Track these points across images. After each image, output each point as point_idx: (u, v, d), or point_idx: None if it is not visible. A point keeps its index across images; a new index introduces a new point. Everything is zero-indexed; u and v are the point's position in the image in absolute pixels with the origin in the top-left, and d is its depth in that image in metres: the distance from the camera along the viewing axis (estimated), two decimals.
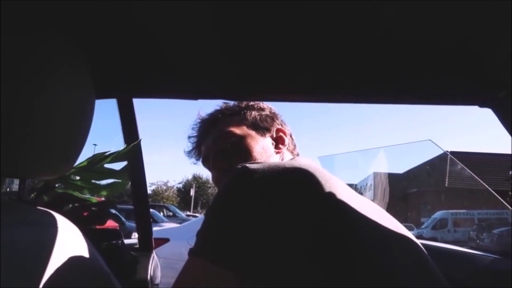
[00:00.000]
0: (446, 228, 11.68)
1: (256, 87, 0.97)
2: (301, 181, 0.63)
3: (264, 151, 0.86)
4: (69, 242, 0.66)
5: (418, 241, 0.73)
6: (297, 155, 0.93)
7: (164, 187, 38.33)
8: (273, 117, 0.93)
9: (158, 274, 1.30)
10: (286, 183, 0.62)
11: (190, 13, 0.64)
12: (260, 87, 0.97)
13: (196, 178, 40.18)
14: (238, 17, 0.65)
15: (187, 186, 39.17)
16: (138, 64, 0.89)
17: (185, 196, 38.14)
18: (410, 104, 1.00)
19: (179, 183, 40.71)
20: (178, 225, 6.37)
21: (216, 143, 0.89)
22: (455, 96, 0.95)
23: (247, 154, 0.85)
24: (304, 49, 0.77)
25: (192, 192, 34.87)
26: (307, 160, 0.73)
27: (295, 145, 0.94)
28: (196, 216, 17.14)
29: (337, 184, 0.66)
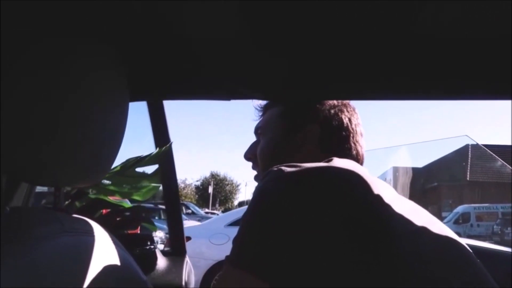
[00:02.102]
0: (469, 222, 11.50)
1: (291, 87, 0.94)
2: (337, 184, 0.60)
3: (293, 149, 0.82)
4: (106, 250, 0.64)
5: (464, 242, 0.68)
6: (349, 152, 0.82)
7: (183, 185, 38.74)
8: (310, 110, 0.86)
9: (192, 279, 1.28)
10: (322, 186, 0.59)
11: (220, 11, 0.62)
12: (295, 87, 0.94)
13: (214, 176, 40.55)
14: (270, 14, 0.62)
15: (205, 183, 39.55)
16: (169, 66, 0.86)
17: (203, 194, 38.53)
18: (447, 99, 0.96)
19: (197, 181, 41.15)
20: (198, 223, 6.42)
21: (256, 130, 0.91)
22: (494, 91, 0.90)
23: (270, 149, 0.85)
24: (340, 47, 0.74)
25: (210, 190, 35.16)
26: (344, 162, 0.69)
27: (344, 143, 0.83)
28: (214, 214, 17.25)
29: (378, 186, 0.62)
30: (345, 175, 0.63)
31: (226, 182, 40.68)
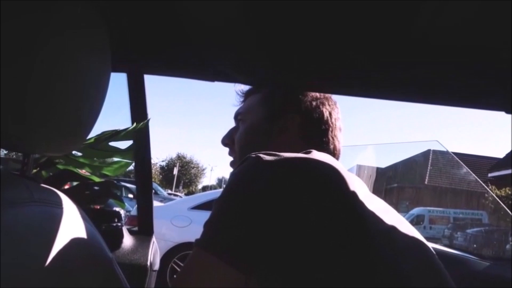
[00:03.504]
0: (423, 224, 11.93)
1: (277, 74, 0.93)
2: (315, 176, 0.60)
3: (272, 138, 0.81)
4: (74, 224, 0.62)
5: (429, 244, 0.71)
6: (326, 146, 0.83)
7: None
8: (292, 100, 0.85)
9: (158, 259, 1.25)
10: (300, 177, 0.59)
11: None
12: (282, 75, 0.92)
13: (180, 157, 40.12)
14: None
15: (170, 164, 39.09)
16: (157, 39, 0.83)
17: (167, 175, 38.08)
18: (439, 104, 0.97)
19: (163, 161, 40.57)
20: (160, 203, 6.33)
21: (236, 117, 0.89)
22: (486, 100, 0.92)
23: (248, 137, 0.84)
24: (332, 40, 0.73)
25: (175, 171, 34.80)
26: (322, 155, 0.69)
27: (322, 136, 0.83)
28: (177, 195, 17.06)
29: (354, 183, 0.63)
30: (324, 168, 0.63)
31: (192, 165, 40.38)
